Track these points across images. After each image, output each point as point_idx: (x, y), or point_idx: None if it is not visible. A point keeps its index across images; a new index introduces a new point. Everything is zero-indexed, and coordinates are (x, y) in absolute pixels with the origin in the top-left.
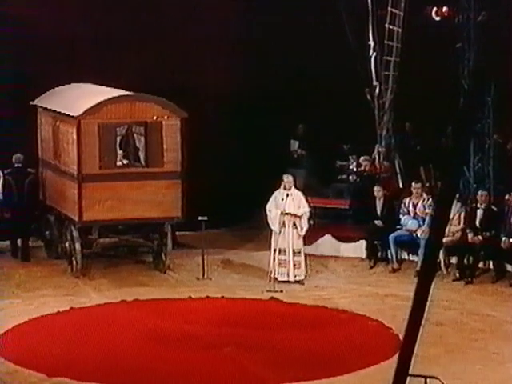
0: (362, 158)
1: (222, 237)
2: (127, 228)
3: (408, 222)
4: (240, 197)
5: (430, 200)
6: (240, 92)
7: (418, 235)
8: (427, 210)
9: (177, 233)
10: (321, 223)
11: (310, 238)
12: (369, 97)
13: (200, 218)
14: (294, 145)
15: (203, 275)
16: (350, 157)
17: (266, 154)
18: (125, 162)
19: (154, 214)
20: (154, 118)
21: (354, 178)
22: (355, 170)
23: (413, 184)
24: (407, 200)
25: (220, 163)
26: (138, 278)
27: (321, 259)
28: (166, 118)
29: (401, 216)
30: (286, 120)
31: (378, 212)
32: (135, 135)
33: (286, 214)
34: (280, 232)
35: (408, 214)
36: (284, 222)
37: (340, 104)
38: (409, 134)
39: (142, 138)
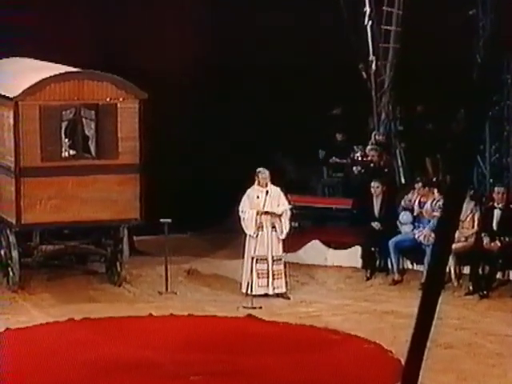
0: (368, 147)
1: (189, 242)
2: (75, 232)
3: (403, 216)
4: (211, 195)
5: (441, 202)
6: (212, 70)
7: (417, 238)
8: (435, 213)
9: (134, 238)
10: (307, 226)
11: (294, 244)
12: (364, 74)
13: (162, 220)
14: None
15: (166, 288)
16: (356, 147)
17: (243, 145)
18: (72, 152)
19: (106, 215)
20: (107, 99)
21: (359, 169)
22: (360, 159)
23: (418, 181)
24: (414, 195)
25: (187, 155)
26: (88, 293)
27: (307, 269)
28: (121, 99)
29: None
30: (265, 104)
31: (376, 212)
32: (84, 120)
33: (265, 213)
34: (257, 236)
35: (411, 210)
36: (261, 223)
37: (328, 84)
38: (414, 119)
39: (93, 124)
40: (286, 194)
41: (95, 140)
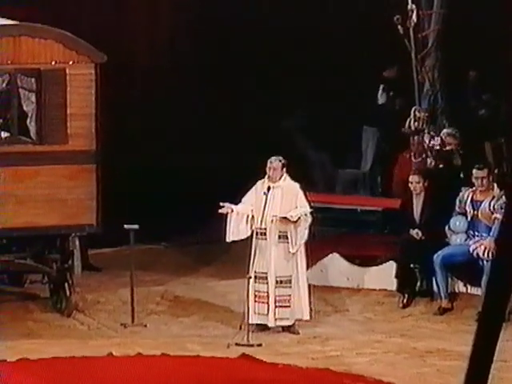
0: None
1: (164, 256)
2: (10, 243)
3: (456, 223)
4: (194, 192)
5: (503, 198)
6: (201, 24)
7: (472, 250)
8: (496, 214)
9: (89, 250)
10: (323, 234)
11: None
12: (401, 29)
13: (127, 227)
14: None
15: (133, 319)
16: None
17: (245, 125)
18: (4, 135)
19: (51, 219)
20: (53, 63)
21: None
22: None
23: (474, 171)
24: (466, 193)
25: (160, 139)
26: (27, 325)
27: (323, 292)
28: (71, 63)
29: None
30: (264, 73)
31: (416, 216)
32: (21, 91)
33: (272, 217)
34: (255, 247)
35: (465, 214)
36: (265, 229)
37: (354, 43)
38: (468, 89)
39: (33, 97)
40: (305, 193)
41: (36, 118)
